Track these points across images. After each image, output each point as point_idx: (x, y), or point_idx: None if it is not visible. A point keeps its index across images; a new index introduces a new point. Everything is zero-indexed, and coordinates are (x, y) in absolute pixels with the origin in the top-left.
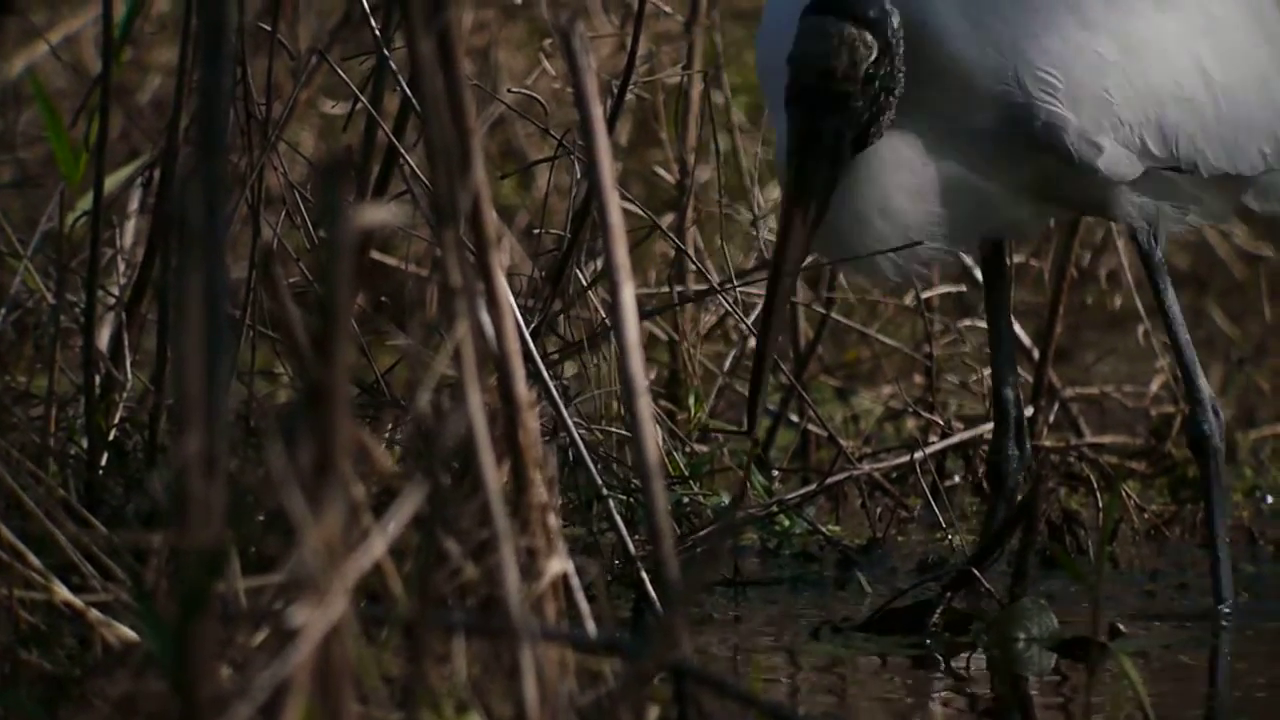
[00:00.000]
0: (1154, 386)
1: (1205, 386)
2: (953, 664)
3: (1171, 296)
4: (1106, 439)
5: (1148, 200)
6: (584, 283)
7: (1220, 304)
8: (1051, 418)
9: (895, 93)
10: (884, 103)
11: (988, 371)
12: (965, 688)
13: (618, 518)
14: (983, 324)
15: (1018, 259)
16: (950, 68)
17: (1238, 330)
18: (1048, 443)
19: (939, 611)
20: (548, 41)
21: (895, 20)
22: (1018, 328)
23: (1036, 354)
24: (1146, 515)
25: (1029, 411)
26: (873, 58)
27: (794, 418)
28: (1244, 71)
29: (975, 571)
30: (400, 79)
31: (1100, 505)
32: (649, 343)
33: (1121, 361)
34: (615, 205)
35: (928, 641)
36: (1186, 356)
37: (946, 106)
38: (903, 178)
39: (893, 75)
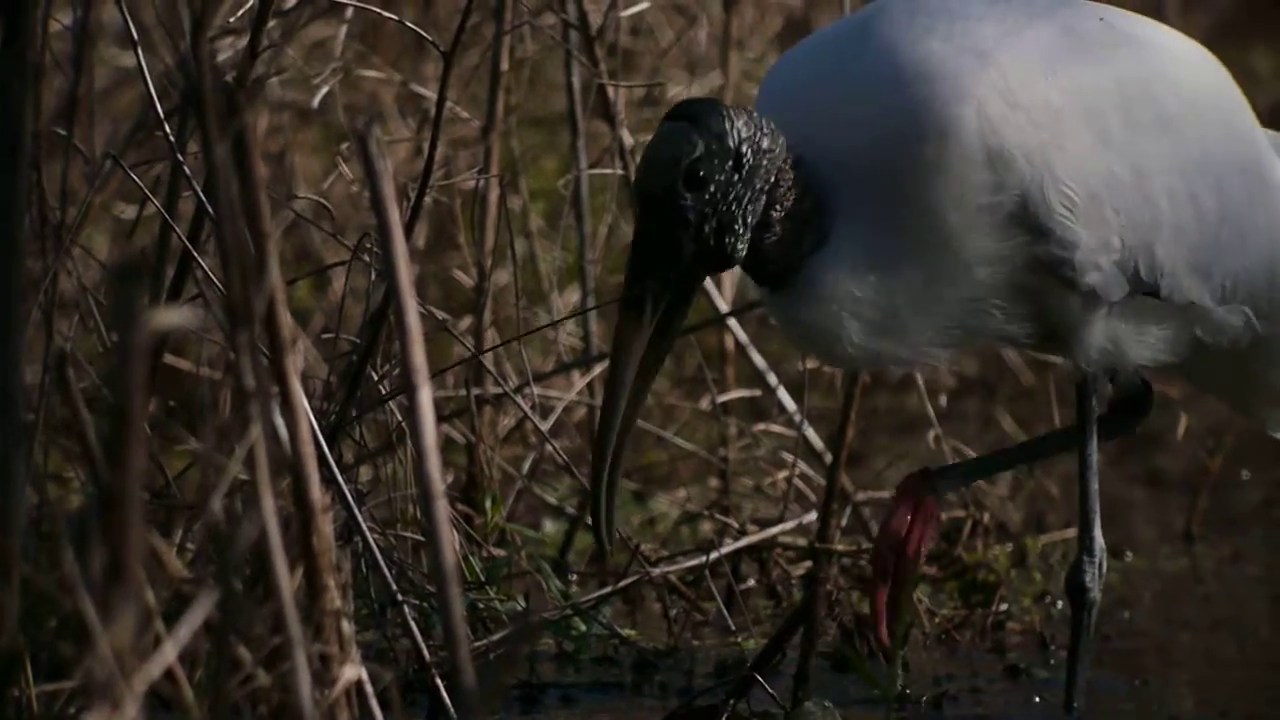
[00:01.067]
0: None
1: (1100, 539)
2: None
3: (1094, 445)
4: None
5: (1111, 339)
6: (380, 387)
7: (1009, 409)
8: (844, 521)
9: (746, 205)
10: (732, 214)
11: (781, 474)
12: None
13: (412, 623)
14: (776, 427)
15: (811, 363)
16: (955, 164)
17: (1026, 436)
18: (840, 546)
19: (724, 717)
20: (344, 145)
21: (742, 130)
22: (809, 431)
23: (829, 457)
24: (938, 619)
25: (812, 516)
26: (696, 155)
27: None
28: (1221, 203)
29: (757, 676)
30: (194, 183)
31: None
32: (446, 446)
33: (913, 465)
34: (413, 309)
35: None
36: (1089, 505)
37: (938, 205)
38: (842, 306)
39: (735, 184)
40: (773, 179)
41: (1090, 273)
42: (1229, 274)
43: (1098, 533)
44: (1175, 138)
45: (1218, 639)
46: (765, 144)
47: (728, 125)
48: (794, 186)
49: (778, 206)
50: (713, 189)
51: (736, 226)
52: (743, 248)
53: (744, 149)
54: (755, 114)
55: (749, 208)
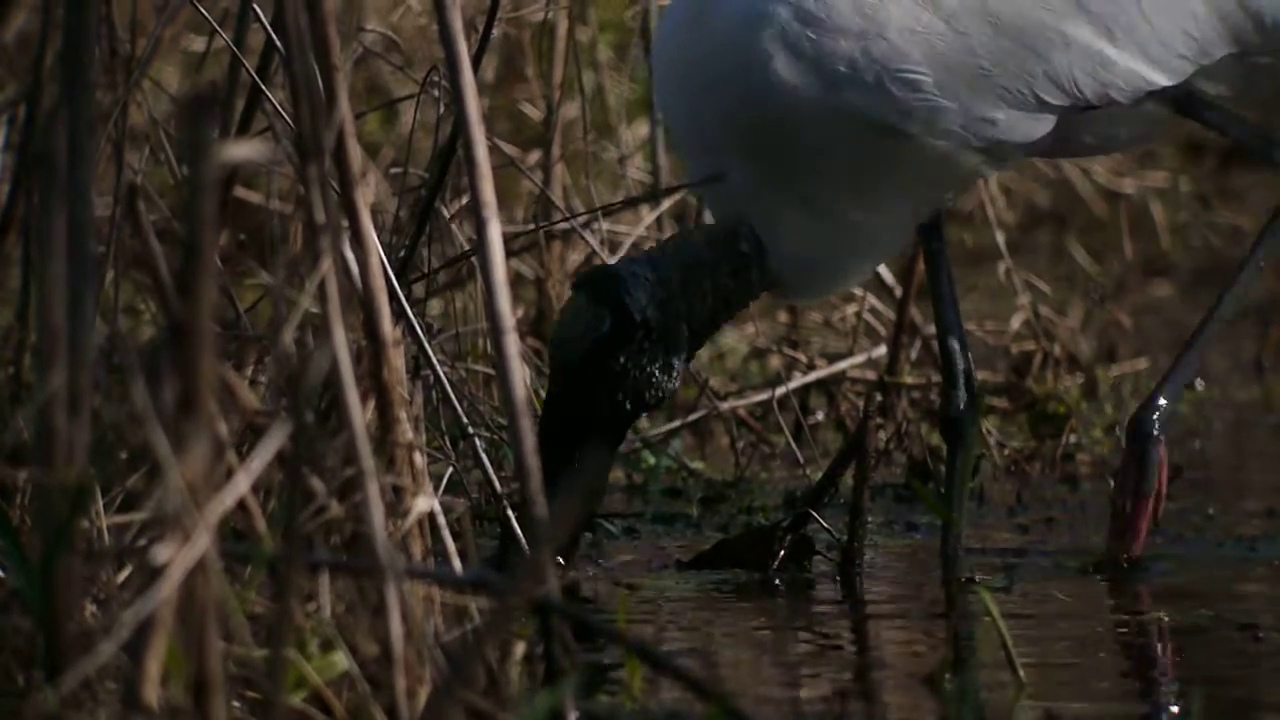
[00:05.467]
0: (1015, 324)
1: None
2: (811, 597)
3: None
4: None
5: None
6: (449, 219)
7: (1081, 241)
8: (913, 354)
9: (665, 355)
10: (648, 374)
11: (850, 308)
12: (823, 623)
13: (483, 455)
14: None
15: None
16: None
17: (1098, 267)
18: (908, 379)
19: (782, 549)
20: None
21: (642, 298)
22: (881, 266)
23: (899, 291)
24: (1007, 451)
25: (881, 350)
26: (604, 330)
27: None
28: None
29: (811, 511)
30: (262, 16)
31: None
32: (516, 280)
33: (983, 299)
34: (481, 142)
35: (776, 576)
36: (1235, 132)
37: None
38: (828, 282)
39: (647, 347)
40: (690, 303)
41: (984, 128)
42: (1183, 38)
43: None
44: None
45: None
46: (674, 287)
47: (628, 299)
48: (712, 278)
49: (727, 293)
50: (624, 359)
51: (654, 381)
52: (670, 385)
53: (649, 313)
54: (653, 261)
55: (670, 356)
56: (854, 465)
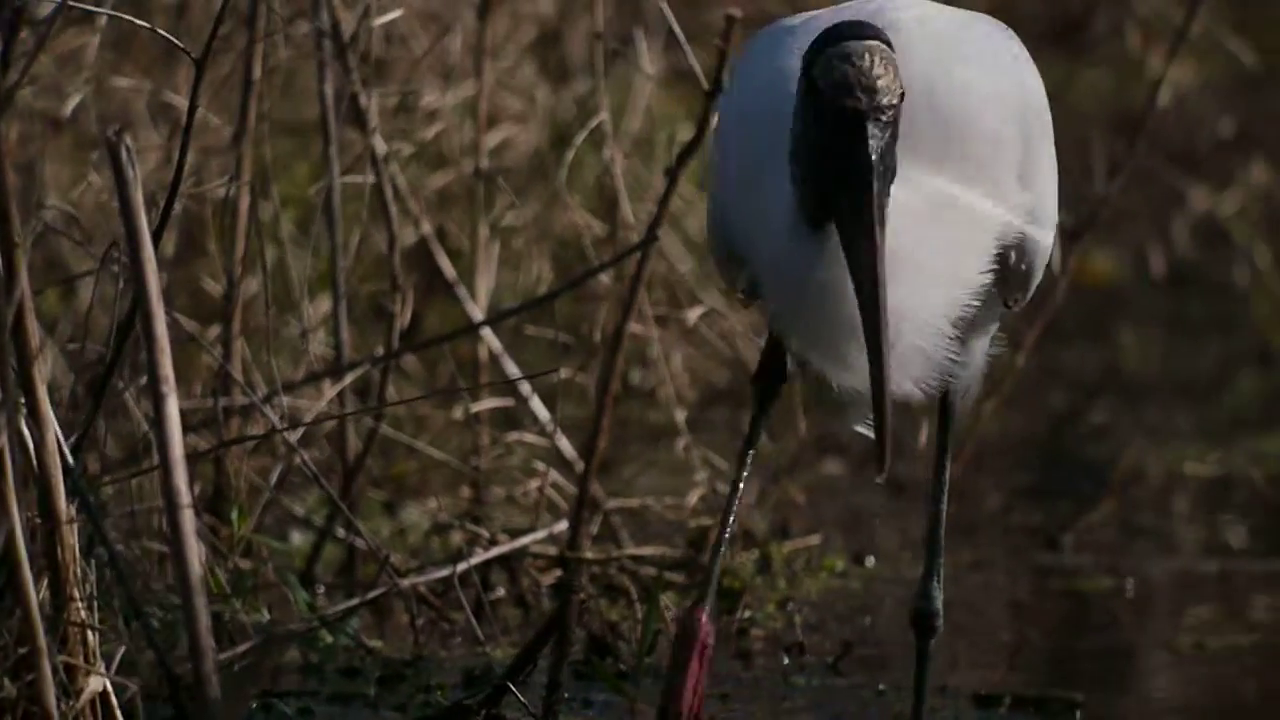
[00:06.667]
0: (692, 499)
1: (940, 570)
2: None
3: (948, 475)
4: (646, 550)
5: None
6: (127, 396)
7: None
8: (594, 530)
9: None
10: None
11: (534, 484)
12: None
13: (154, 636)
14: (529, 436)
15: (564, 372)
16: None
17: (773, 445)
18: (590, 555)
19: None
20: (95, 154)
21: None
22: (562, 440)
23: (581, 466)
24: None
25: (563, 525)
26: (894, 77)
27: (341, 532)
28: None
29: (510, 685)
30: None
31: (640, 616)
32: (192, 456)
33: (663, 474)
34: (160, 317)
35: None
36: (938, 535)
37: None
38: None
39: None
40: None
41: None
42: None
43: (939, 561)
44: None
45: (958, 645)
46: None
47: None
48: None
49: None
50: (894, 114)
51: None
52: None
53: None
54: None
55: None
56: (553, 641)
